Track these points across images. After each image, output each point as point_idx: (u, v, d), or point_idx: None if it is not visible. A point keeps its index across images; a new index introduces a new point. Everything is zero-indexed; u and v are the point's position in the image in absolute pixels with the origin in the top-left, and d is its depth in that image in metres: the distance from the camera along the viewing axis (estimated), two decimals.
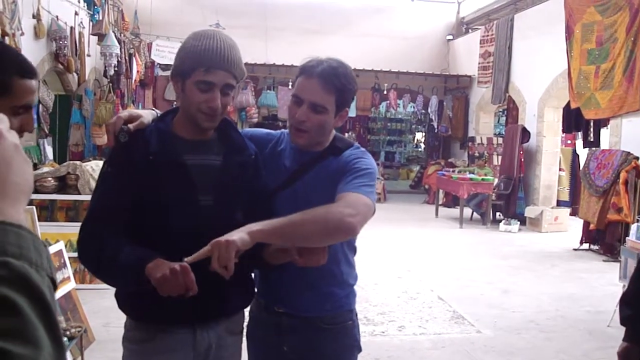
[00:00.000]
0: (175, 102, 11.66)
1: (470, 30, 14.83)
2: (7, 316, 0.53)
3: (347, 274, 2.01)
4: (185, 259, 1.53)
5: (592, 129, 10.14)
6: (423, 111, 15.06)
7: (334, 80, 1.83)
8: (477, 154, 12.67)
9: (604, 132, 10.18)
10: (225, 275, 1.51)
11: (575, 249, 8.66)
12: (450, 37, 15.15)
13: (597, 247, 8.52)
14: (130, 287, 1.73)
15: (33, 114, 1.51)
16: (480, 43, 12.97)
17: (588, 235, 8.65)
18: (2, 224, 0.59)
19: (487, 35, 12.73)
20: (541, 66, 10.63)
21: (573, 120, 10.31)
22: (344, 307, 2.01)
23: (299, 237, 1.63)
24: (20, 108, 1.45)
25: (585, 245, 8.67)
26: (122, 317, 1.84)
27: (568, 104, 9.73)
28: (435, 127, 14.77)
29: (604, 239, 8.32)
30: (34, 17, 7.23)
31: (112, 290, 1.84)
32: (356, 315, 2.08)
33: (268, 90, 13.32)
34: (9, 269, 0.56)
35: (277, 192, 1.90)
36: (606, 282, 6.70)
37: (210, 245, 1.51)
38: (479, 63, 13.05)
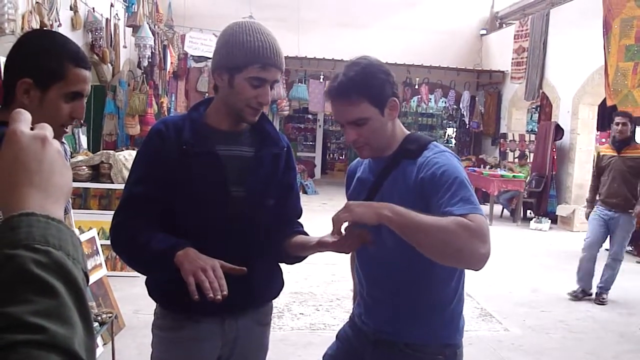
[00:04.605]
0: (207, 94, 11.72)
1: (504, 25, 14.60)
2: (47, 298, 0.58)
3: (440, 301, 1.80)
4: None
5: None
6: (455, 106, 14.91)
7: (355, 89, 1.69)
8: (517, 152, 12.44)
9: None
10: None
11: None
12: (484, 31, 14.93)
13: (631, 249, 8.33)
14: (160, 274, 1.75)
15: (84, 104, 1.62)
16: (515, 38, 12.75)
17: None
18: (45, 217, 0.64)
19: (522, 30, 12.51)
20: (577, 62, 10.41)
21: (608, 118, 10.09)
22: (434, 340, 1.79)
23: (426, 244, 1.51)
24: (72, 94, 1.57)
25: None
26: (151, 305, 1.87)
27: (604, 101, 9.52)
28: (467, 122, 14.60)
29: (637, 240, 8.14)
30: (71, 8, 7.35)
31: (143, 277, 1.87)
32: (456, 352, 1.81)
33: (299, 83, 13.32)
34: (50, 257, 0.61)
35: None
36: None
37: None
38: (513, 58, 12.83)
